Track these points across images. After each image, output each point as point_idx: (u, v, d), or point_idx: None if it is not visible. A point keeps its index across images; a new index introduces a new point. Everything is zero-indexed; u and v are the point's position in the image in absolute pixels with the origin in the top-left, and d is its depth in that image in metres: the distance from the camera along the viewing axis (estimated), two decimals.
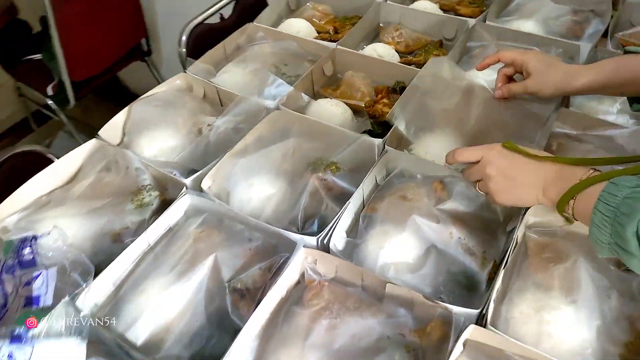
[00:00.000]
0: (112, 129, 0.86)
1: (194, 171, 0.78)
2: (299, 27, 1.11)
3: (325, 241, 0.69)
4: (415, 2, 1.17)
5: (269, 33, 1.07)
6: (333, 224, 0.70)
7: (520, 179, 0.61)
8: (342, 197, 0.76)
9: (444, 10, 1.16)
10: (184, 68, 1.16)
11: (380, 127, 0.90)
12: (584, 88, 0.73)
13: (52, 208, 0.74)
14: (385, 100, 0.91)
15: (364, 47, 1.06)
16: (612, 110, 0.88)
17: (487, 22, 1.05)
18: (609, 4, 1.06)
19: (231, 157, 0.79)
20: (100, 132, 0.84)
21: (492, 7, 1.09)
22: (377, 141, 0.79)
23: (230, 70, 0.98)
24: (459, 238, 0.69)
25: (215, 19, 1.29)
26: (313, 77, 0.97)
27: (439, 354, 0.57)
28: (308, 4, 1.18)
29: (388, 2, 1.14)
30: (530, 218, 0.70)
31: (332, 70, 1.02)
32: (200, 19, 1.22)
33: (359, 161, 0.80)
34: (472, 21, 1.04)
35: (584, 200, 0.55)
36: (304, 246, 0.66)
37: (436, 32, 1.09)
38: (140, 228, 0.71)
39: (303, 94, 0.90)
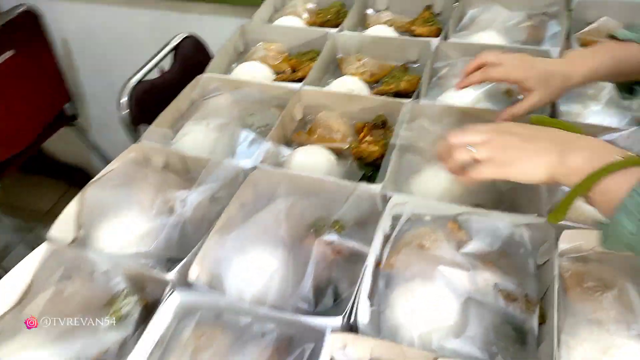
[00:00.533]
0: (64, 225, 0.72)
1: (175, 260, 0.66)
2: (254, 71, 1.02)
3: (350, 317, 0.59)
4: (370, 29, 1.11)
5: (224, 83, 0.97)
6: (355, 296, 0.60)
7: (536, 144, 0.52)
8: (353, 259, 0.67)
9: (400, 33, 1.11)
10: (131, 134, 1.04)
11: (370, 167, 0.82)
12: (580, 85, 0.70)
13: (4, 342, 0.59)
14: (369, 138, 0.83)
15: (330, 82, 0.98)
16: (598, 110, 0.86)
17: (450, 40, 1.01)
18: (561, 5, 1.06)
19: (217, 236, 0.68)
20: (50, 233, 0.70)
21: (449, 24, 1.05)
22: (377, 188, 0.71)
23: (191, 130, 0.87)
24: (496, 284, 0.62)
25: (154, 74, 1.17)
26: (284, 124, 0.88)
27: None
28: (259, 44, 1.10)
29: (343, 32, 1.07)
30: (561, 245, 0.65)
31: (301, 113, 0.93)
32: (139, 75, 1.10)
33: (362, 213, 0.71)
34: (434, 41, 1.00)
35: (616, 182, 0.47)
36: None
37: (398, 56, 1.04)
38: (124, 348, 0.57)
39: (282, 147, 0.80)
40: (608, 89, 0.85)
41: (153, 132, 0.86)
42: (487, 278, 0.62)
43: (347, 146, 0.84)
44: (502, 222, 0.68)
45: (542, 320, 0.59)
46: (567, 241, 0.64)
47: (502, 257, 0.66)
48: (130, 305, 0.61)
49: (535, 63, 0.70)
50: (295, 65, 1.06)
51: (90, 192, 0.75)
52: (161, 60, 1.17)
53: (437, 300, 0.61)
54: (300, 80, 0.99)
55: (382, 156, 0.82)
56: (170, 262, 0.68)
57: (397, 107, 0.86)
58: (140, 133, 0.87)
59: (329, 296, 0.65)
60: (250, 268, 0.65)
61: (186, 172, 0.83)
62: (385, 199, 0.71)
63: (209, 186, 0.75)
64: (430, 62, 0.96)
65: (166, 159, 0.83)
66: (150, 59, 1.14)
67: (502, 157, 0.53)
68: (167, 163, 0.83)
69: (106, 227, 0.72)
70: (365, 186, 0.71)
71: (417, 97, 0.88)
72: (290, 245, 0.68)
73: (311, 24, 1.18)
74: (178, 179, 0.80)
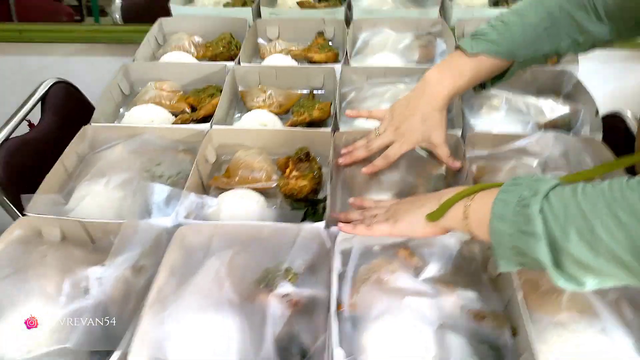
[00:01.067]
0: None
1: (102, 354, 0.54)
2: (149, 114, 0.92)
3: None
4: (268, 59, 1.07)
5: (117, 131, 0.85)
6: (327, 347, 0.54)
7: (419, 204, 0.61)
8: (311, 307, 0.61)
9: (298, 60, 1.09)
10: (6, 207, 0.86)
11: (302, 203, 0.77)
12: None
13: None
14: (296, 173, 0.78)
15: (238, 118, 0.92)
16: (502, 119, 0.91)
17: (352, 65, 1.01)
18: (443, 24, 1.12)
19: (151, 314, 0.57)
20: None
21: (347, 48, 1.05)
22: (321, 225, 0.67)
23: (88, 191, 0.74)
24: (462, 305, 0.61)
25: (22, 129, 0.99)
26: (199, 170, 0.79)
27: None
28: (148, 84, 0.99)
29: (242, 64, 1.02)
30: None
31: (214, 154, 0.85)
32: (5, 132, 0.92)
33: (312, 255, 0.65)
34: (337, 66, 0.99)
35: (481, 202, 0.53)
36: None
37: (303, 84, 1.01)
38: None
39: (206, 197, 0.72)
40: (504, 98, 0.91)
41: (39, 200, 0.71)
42: (453, 301, 0.61)
43: (274, 184, 0.78)
44: (450, 240, 0.67)
45: (513, 332, 0.59)
46: None
47: (458, 276, 0.65)
48: None
49: (412, 109, 0.74)
50: (194, 104, 0.97)
51: None
52: (29, 112, 0.99)
53: (410, 334, 0.57)
54: (204, 119, 0.91)
55: (313, 190, 0.78)
56: (96, 357, 0.55)
57: (318, 137, 0.83)
58: (20, 204, 0.72)
59: (296, 354, 0.58)
60: (201, 343, 0.56)
61: (91, 243, 0.69)
62: (333, 235, 0.66)
63: (128, 255, 0.63)
64: (338, 88, 0.94)
65: (63, 231, 0.68)
66: (16, 112, 0.97)
67: (395, 217, 0.62)
68: (65, 235, 0.69)
69: (3, 329, 0.56)
70: (309, 226, 0.66)
71: (336, 125, 0.85)
72: (239, 307, 0.60)
73: (202, 57, 1.10)
74: (84, 252, 0.66)
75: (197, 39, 1.15)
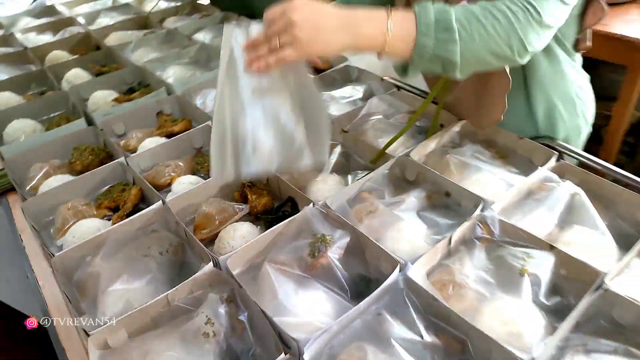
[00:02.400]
0: None
1: None
2: (90, 226, 0.96)
3: None
4: (142, 147, 1.19)
5: (82, 249, 0.88)
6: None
7: (326, 22, 0.66)
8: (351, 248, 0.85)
9: (167, 137, 1.24)
10: None
11: (272, 213, 0.98)
12: None
13: None
14: (254, 196, 0.99)
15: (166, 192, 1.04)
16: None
17: None
18: None
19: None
20: None
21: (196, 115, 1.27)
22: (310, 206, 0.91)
23: (115, 294, 0.79)
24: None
25: None
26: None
27: None
28: (58, 209, 1.00)
29: (132, 156, 1.12)
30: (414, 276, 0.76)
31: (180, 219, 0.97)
32: None
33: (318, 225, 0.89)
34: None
35: (402, 25, 0.68)
36: None
37: (188, 149, 1.19)
38: None
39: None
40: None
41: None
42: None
43: (246, 212, 0.97)
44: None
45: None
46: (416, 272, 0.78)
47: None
48: None
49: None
50: (112, 205, 1.04)
51: None
52: None
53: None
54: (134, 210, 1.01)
55: (275, 199, 1.00)
56: None
57: None
58: None
59: (364, 281, 0.82)
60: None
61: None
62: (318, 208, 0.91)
63: None
64: None
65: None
66: None
67: (303, 37, 0.65)
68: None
69: None
70: (303, 210, 0.90)
71: None
72: (316, 277, 0.80)
73: (78, 172, 1.14)
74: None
75: (56, 161, 1.17)
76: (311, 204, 0.90)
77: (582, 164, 1.01)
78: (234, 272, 0.80)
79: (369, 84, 1.34)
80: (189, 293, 0.79)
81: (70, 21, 1.97)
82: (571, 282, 0.77)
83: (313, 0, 0.67)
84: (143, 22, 1.93)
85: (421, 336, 0.70)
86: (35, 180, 1.12)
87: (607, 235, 0.84)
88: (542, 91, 1.00)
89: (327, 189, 0.99)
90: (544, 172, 0.95)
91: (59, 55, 1.69)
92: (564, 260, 0.78)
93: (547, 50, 0.94)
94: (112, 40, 1.78)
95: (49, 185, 1.08)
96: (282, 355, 0.67)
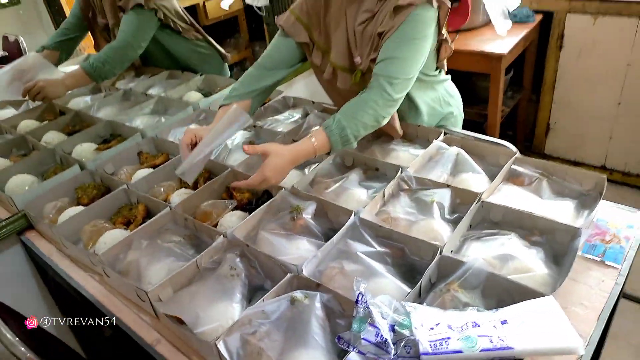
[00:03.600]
0: None
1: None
2: (115, 237, 1.23)
3: None
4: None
5: (119, 247, 1.16)
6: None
7: (285, 170, 1.18)
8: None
9: None
10: None
11: (250, 206, 1.32)
12: None
13: None
14: (238, 192, 1.32)
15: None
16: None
17: None
18: None
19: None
20: None
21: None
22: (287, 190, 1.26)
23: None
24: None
25: None
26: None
27: None
28: (83, 229, 1.26)
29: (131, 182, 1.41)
30: None
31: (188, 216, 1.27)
32: None
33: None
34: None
35: (318, 137, 1.19)
36: None
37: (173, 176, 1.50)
38: None
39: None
40: None
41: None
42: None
43: (235, 204, 1.29)
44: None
45: None
46: (366, 213, 1.41)
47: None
48: None
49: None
50: (125, 220, 1.32)
51: None
52: None
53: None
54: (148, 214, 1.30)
55: (252, 196, 1.34)
56: None
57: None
58: None
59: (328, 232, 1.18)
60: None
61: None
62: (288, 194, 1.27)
63: None
64: None
65: None
66: None
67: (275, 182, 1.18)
68: None
69: None
70: (280, 192, 1.24)
71: None
72: (300, 232, 1.14)
73: None
74: None
75: (65, 199, 1.42)
76: (283, 189, 1.26)
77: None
78: (241, 237, 1.12)
79: (304, 107, 1.74)
80: (210, 257, 1.10)
81: None
82: (462, 205, 1.18)
83: (275, 160, 1.15)
84: (97, 87, 2.21)
85: (375, 248, 1.06)
86: (52, 215, 1.37)
87: (482, 174, 1.28)
88: (422, 100, 1.47)
89: (291, 179, 1.34)
90: (437, 143, 1.38)
91: (29, 123, 1.93)
92: (456, 192, 1.19)
93: (418, 80, 1.38)
94: (73, 105, 2.05)
95: (68, 215, 1.34)
96: (289, 274, 1.00)
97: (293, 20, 1.39)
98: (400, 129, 1.43)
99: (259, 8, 2.33)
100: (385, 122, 1.24)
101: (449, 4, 1.23)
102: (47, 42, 2.13)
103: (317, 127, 1.30)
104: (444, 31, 1.32)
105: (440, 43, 1.36)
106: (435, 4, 1.20)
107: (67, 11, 2.70)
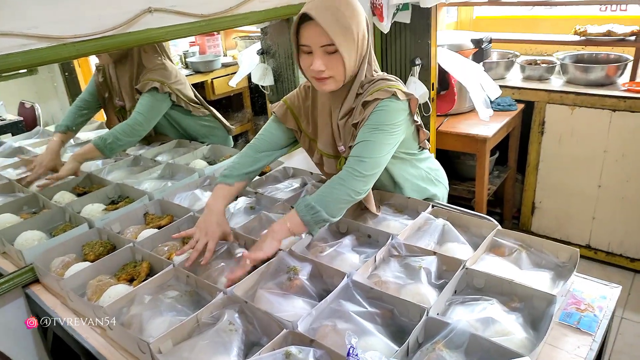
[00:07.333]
0: None
1: None
2: (120, 292, 1.30)
3: None
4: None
5: (124, 300, 1.22)
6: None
7: (272, 248, 1.32)
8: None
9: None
10: None
11: None
12: None
13: None
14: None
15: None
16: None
17: None
18: None
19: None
20: None
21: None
22: None
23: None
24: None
25: None
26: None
27: None
28: (89, 284, 1.33)
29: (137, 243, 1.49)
30: None
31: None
32: None
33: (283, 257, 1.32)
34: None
35: (292, 220, 1.32)
36: None
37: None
38: None
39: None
40: None
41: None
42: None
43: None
44: None
45: None
46: (358, 276, 1.52)
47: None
48: None
49: (210, 225, 1.40)
50: (128, 277, 1.39)
51: None
52: None
53: None
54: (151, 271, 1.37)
55: None
56: None
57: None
58: None
59: (323, 292, 1.25)
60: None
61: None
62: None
63: None
64: None
65: None
66: None
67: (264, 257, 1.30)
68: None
69: None
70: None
71: None
72: (296, 294, 1.21)
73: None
74: None
75: (72, 255, 1.50)
76: (281, 250, 1.34)
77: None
78: (239, 295, 1.19)
79: (302, 177, 1.87)
80: (210, 313, 1.16)
81: None
82: (448, 271, 1.27)
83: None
84: None
85: (366, 309, 1.14)
86: (59, 270, 1.43)
87: (466, 244, 1.37)
88: (401, 176, 1.60)
89: (289, 242, 1.43)
90: (425, 215, 1.49)
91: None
92: (443, 259, 1.28)
93: (399, 159, 1.54)
94: (84, 167, 2.17)
95: (74, 270, 1.40)
96: (284, 330, 1.06)
97: (285, 109, 1.58)
98: (375, 209, 1.55)
99: (264, 87, 2.53)
100: (361, 196, 1.35)
101: (417, 96, 1.44)
102: (68, 122, 2.23)
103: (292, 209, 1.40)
104: (417, 118, 1.51)
105: (417, 128, 1.55)
106: (402, 96, 1.39)
107: (82, 82, 2.90)
